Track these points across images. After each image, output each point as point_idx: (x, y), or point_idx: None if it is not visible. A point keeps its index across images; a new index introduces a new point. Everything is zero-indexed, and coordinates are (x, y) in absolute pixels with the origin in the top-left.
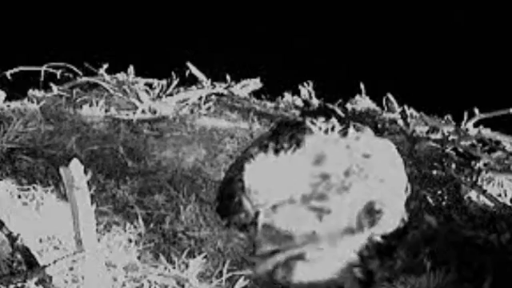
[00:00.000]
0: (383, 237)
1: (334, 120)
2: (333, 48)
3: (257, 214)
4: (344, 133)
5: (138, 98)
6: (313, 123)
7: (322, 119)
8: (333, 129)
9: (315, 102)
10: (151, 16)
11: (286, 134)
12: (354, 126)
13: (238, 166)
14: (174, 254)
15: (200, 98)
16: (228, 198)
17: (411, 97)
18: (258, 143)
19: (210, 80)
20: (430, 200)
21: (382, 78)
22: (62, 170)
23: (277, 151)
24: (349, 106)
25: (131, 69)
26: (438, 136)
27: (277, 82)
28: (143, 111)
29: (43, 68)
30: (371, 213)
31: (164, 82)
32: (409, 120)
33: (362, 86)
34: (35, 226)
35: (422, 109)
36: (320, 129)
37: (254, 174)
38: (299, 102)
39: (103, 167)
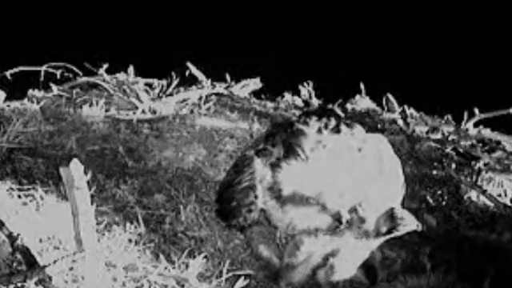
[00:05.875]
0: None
1: (327, 118)
2: (333, 48)
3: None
4: (337, 130)
5: (138, 98)
6: (306, 123)
7: (315, 118)
8: (326, 127)
9: (315, 101)
10: (151, 16)
11: (280, 136)
12: (346, 123)
13: (236, 169)
14: (174, 254)
15: (200, 98)
16: (227, 201)
17: (411, 97)
18: (254, 146)
19: (209, 80)
20: (430, 200)
21: (382, 78)
22: (61, 170)
23: (278, 161)
24: (349, 106)
25: (131, 69)
26: (438, 136)
27: (277, 82)
28: (143, 111)
29: (43, 68)
30: (392, 219)
31: (164, 82)
32: (409, 120)
33: (362, 85)
34: (35, 226)
35: (421, 109)
36: (313, 128)
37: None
38: (299, 102)
39: (103, 167)
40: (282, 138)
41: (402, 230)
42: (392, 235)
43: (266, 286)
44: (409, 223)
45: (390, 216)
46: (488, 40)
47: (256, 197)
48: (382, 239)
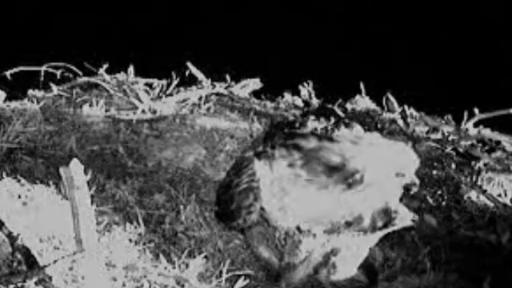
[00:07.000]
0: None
1: (325, 118)
2: (333, 48)
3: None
4: (335, 130)
5: (138, 98)
6: (303, 124)
7: (313, 118)
8: (325, 128)
9: (315, 101)
10: (151, 16)
11: (278, 137)
12: (344, 122)
13: (235, 170)
14: (174, 254)
15: (200, 98)
16: (226, 203)
17: (411, 97)
18: (253, 147)
19: (210, 80)
20: (430, 200)
21: (382, 78)
22: (61, 170)
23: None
24: (349, 106)
25: (131, 69)
26: (438, 136)
27: (277, 82)
28: (143, 111)
29: (43, 68)
30: (386, 214)
31: (164, 81)
32: (409, 120)
33: (361, 85)
34: (35, 226)
35: (421, 109)
36: (311, 129)
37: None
38: (299, 102)
39: (103, 167)
40: (280, 140)
41: (397, 225)
42: (388, 230)
43: (265, 286)
44: (405, 218)
45: (386, 211)
46: (488, 40)
47: (256, 199)
48: (379, 234)
